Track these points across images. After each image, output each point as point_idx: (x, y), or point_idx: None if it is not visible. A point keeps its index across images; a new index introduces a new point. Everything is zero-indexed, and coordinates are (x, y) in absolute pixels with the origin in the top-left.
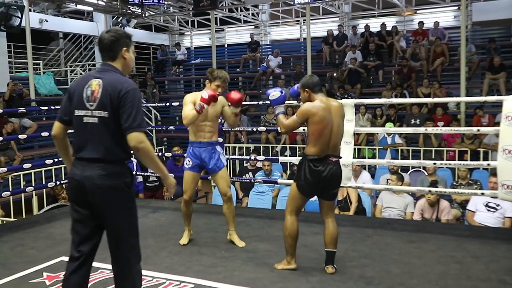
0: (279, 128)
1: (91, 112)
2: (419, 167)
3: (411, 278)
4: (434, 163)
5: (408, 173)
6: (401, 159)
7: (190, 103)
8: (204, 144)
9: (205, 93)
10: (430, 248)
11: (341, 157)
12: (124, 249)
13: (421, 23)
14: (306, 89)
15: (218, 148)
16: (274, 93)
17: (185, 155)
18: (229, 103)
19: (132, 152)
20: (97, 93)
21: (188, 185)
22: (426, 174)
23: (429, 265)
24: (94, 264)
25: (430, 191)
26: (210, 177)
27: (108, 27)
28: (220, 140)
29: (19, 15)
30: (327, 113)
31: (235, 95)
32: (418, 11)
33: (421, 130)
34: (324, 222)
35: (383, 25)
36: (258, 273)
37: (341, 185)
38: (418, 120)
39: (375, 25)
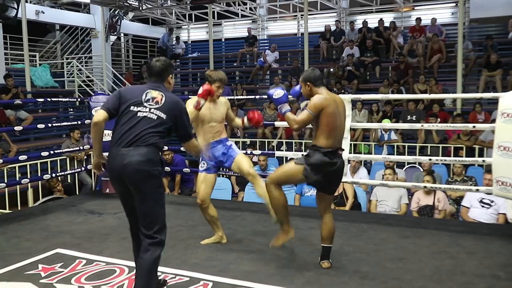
0: (290, 126)
1: (149, 109)
2: (415, 163)
3: (405, 273)
4: (430, 159)
5: (404, 169)
6: (397, 155)
7: (191, 105)
8: (214, 144)
9: (200, 88)
10: (425, 243)
11: (344, 150)
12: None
13: (418, 20)
14: (308, 83)
15: (228, 142)
16: (277, 92)
17: (200, 159)
18: (248, 120)
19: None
20: (160, 100)
21: (198, 186)
22: (422, 170)
23: (424, 261)
24: (90, 256)
25: (425, 186)
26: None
27: (105, 20)
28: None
29: (16, 6)
30: (336, 105)
31: (258, 117)
32: (415, 8)
33: (417, 126)
34: (322, 217)
35: (380, 21)
36: (253, 266)
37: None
38: (414, 116)
39: (372, 21)
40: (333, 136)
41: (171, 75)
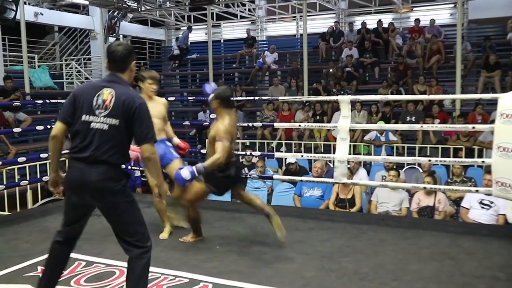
0: (219, 164)
1: (100, 118)
2: (414, 164)
3: (405, 274)
4: (429, 160)
5: (403, 170)
6: (396, 156)
7: None
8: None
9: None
10: (425, 244)
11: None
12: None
13: (417, 21)
14: (218, 100)
15: (169, 143)
16: (184, 173)
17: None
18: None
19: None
20: (109, 102)
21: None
22: (421, 171)
23: (423, 261)
24: (89, 258)
25: (425, 187)
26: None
27: (103, 21)
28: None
29: (14, 8)
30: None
31: (183, 146)
32: (414, 8)
33: (417, 127)
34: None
35: (379, 22)
36: (253, 268)
37: (336, 181)
38: (413, 117)
39: (371, 22)
40: (232, 151)
41: (134, 61)
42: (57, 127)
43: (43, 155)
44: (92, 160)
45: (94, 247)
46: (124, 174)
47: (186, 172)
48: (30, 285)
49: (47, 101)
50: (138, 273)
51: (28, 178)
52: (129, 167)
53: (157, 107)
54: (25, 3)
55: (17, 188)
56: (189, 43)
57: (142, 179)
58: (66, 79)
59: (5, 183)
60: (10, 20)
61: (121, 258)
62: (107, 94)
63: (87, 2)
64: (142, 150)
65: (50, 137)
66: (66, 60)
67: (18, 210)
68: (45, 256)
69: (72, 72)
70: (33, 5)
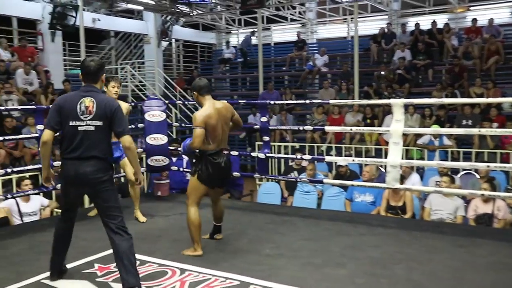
0: (194, 147)
1: (86, 122)
2: (471, 170)
3: (461, 284)
4: (488, 166)
5: (459, 175)
6: (451, 161)
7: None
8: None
9: None
10: (482, 253)
11: (229, 150)
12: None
13: (474, 20)
14: (194, 92)
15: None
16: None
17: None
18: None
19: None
20: (92, 108)
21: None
22: (478, 177)
23: (480, 272)
24: (143, 257)
25: (482, 194)
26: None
27: (157, 26)
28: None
29: (74, 14)
30: (217, 114)
31: None
32: (471, 8)
33: (474, 131)
34: (215, 203)
35: (433, 23)
36: (303, 272)
37: (388, 186)
38: (470, 121)
39: (425, 22)
40: (217, 140)
41: (104, 74)
42: (46, 134)
43: None
44: (84, 156)
45: (148, 246)
46: (110, 166)
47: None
48: (88, 281)
49: None
50: (125, 250)
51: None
52: (181, 169)
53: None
54: (84, 9)
55: None
56: (251, 47)
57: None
58: (121, 82)
59: None
60: (71, 26)
61: (173, 258)
62: (89, 102)
63: (141, 8)
64: (122, 142)
65: (41, 143)
66: (121, 64)
67: None
68: (101, 254)
69: (126, 76)
70: (91, 12)
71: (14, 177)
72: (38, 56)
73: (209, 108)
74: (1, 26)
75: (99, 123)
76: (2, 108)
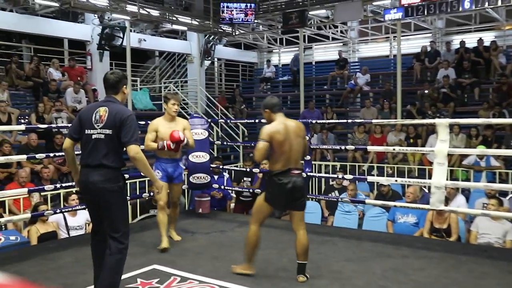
0: (254, 156)
1: (98, 130)
2: None
3: None
4: None
5: (508, 198)
6: (499, 182)
7: (152, 131)
8: (170, 161)
9: (178, 133)
10: None
11: (302, 170)
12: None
13: None
14: (266, 110)
15: (181, 164)
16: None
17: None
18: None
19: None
20: (104, 117)
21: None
22: None
23: None
24: (184, 274)
25: None
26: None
27: (200, 46)
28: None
29: (121, 35)
30: (286, 131)
31: (177, 135)
32: None
33: None
34: (296, 233)
35: (480, 40)
36: None
37: (432, 207)
38: None
39: (471, 40)
40: (283, 159)
41: (125, 86)
42: (66, 142)
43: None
44: (94, 165)
45: (188, 263)
46: (122, 177)
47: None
48: None
49: (148, 122)
50: (113, 266)
51: (128, 194)
52: (222, 186)
53: (176, 127)
54: (131, 30)
55: None
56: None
57: (240, 198)
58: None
59: None
60: (118, 46)
61: (214, 276)
62: (103, 111)
63: (185, 28)
64: (128, 151)
65: (63, 150)
66: (165, 82)
67: None
68: (144, 269)
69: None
70: (137, 32)
71: (62, 191)
72: (87, 75)
73: (279, 124)
74: (53, 47)
75: (108, 131)
76: (53, 125)
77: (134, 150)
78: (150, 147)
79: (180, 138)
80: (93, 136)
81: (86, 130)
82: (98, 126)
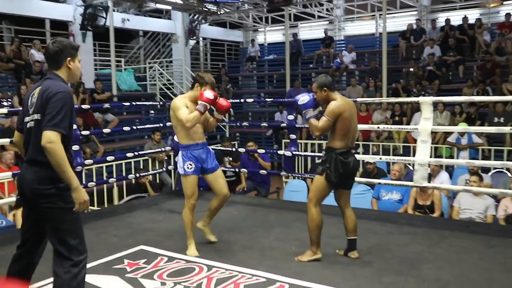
0: (312, 132)
1: (30, 117)
2: (502, 168)
3: (492, 285)
4: None
5: (490, 174)
6: (482, 159)
7: (184, 106)
8: (201, 146)
9: (209, 93)
10: None
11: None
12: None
13: (508, 15)
14: (325, 88)
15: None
16: (303, 98)
17: (178, 159)
18: (217, 110)
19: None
20: (35, 98)
21: (194, 189)
22: (510, 175)
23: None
24: (171, 254)
25: None
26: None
27: (185, 25)
28: None
29: (104, 15)
30: (350, 110)
31: (224, 102)
32: (505, 2)
33: (506, 129)
34: (344, 211)
35: (465, 18)
36: (330, 270)
37: (416, 184)
38: (502, 119)
39: (456, 18)
40: (347, 138)
41: (70, 58)
42: (15, 135)
43: (129, 154)
44: (28, 160)
45: (175, 243)
46: (57, 179)
47: (305, 97)
48: (118, 277)
49: (133, 103)
50: (68, 284)
51: (115, 176)
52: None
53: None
54: (114, 10)
55: (104, 185)
56: (301, 46)
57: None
58: (150, 81)
59: (94, 180)
60: (101, 26)
61: (200, 255)
62: (37, 93)
63: (169, 7)
64: (41, 137)
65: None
66: (149, 63)
67: (106, 205)
68: (131, 250)
69: (155, 75)
70: (120, 12)
71: None
72: None
73: (344, 103)
74: (34, 28)
75: (37, 116)
76: None
77: (47, 137)
78: (193, 116)
79: (216, 95)
80: (28, 125)
81: (25, 118)
82: (31, 110)
